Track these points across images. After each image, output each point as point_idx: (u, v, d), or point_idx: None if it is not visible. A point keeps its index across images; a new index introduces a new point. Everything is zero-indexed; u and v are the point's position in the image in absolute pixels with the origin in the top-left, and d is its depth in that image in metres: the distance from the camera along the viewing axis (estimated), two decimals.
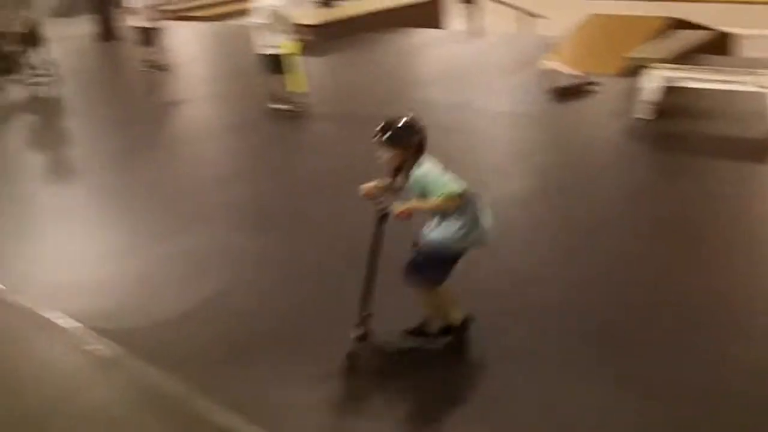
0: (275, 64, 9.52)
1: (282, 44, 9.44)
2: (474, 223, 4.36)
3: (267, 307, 5.06)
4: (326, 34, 14.19)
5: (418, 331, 4.72)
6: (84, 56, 15.42)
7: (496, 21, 15.34)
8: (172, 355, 4.47)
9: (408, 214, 4.19)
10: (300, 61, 9.67)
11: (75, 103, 11.75)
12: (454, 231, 4.31)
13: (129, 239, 6.31)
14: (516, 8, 15.51)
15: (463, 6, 15.63)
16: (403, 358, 4.42)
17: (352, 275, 4.38)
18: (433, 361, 4.38)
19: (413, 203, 4.21)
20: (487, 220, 4.42)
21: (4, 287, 5.31)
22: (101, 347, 4.51)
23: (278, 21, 9.39)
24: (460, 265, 4.23)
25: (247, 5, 10.81)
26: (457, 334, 4.66)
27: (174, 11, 20.14)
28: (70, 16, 24.61)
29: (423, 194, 4.18)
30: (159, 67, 12.57)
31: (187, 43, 16.02)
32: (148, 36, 12.48)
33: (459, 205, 4.26)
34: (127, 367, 4.33)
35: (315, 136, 9.19)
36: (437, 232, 4.36)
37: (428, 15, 17.00)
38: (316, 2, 16.42)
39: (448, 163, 4.19)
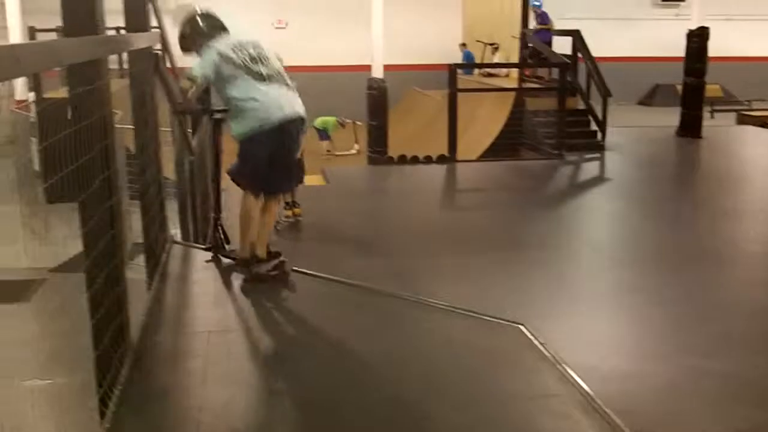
0: None
1: None
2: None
3: None
4: None
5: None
6: (658, 147, 15.73)
7: None
8: None
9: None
10: None
11: (633, 188, 12.05)
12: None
13: (662, 341, 6.08)
14: None
15: None
16: None
17: None
18: None
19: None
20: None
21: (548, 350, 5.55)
22: None
23: None
24: None
25: None
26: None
27: (752, 116, 19.33)
28: (653, 106, 25.52)
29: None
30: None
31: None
32: None
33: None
34: None
35: None
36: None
37: None
38: None
39: None
